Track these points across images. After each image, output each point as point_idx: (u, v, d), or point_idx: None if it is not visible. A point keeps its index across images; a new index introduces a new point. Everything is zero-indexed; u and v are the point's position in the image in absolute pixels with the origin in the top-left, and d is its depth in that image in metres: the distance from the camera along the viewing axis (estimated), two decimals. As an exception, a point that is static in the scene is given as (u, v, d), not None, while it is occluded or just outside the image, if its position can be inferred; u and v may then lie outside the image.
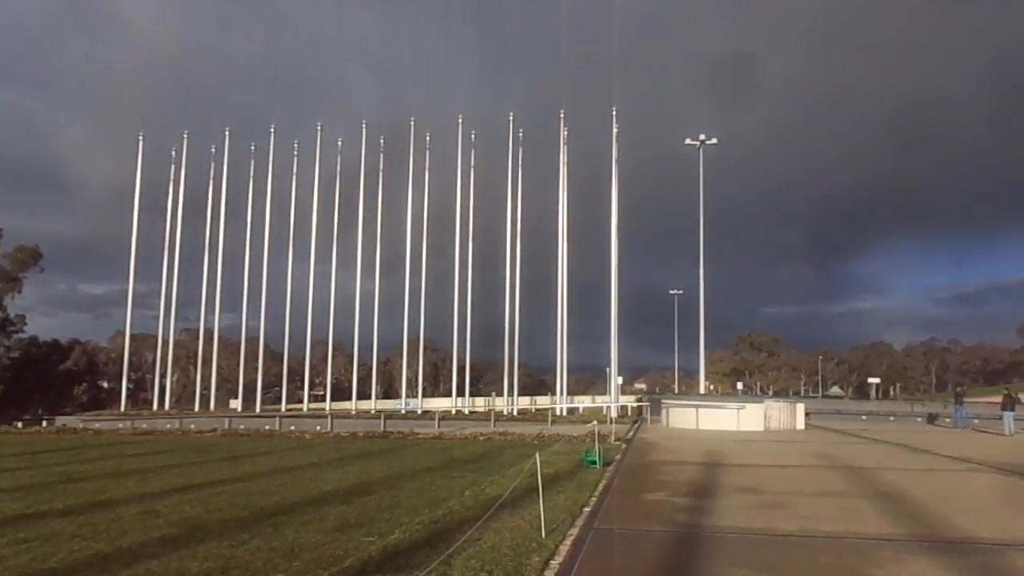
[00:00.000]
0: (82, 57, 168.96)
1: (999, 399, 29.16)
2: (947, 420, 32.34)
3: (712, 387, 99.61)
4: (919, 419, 37.48)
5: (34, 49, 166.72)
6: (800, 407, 30.49)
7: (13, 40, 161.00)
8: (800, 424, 29.39)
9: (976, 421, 31.50)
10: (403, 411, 44.25)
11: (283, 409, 45.32)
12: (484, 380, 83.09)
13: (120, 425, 34.75)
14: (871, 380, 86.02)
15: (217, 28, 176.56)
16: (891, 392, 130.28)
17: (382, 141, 46.46)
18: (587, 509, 10.08)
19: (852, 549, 7.82)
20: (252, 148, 47.61)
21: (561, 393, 42.24)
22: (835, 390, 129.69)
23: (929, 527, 8.95)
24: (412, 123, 45.75)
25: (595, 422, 19.99)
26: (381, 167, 45.99)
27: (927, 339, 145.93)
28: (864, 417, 39.55)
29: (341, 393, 56.13)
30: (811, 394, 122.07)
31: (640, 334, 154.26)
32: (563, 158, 42.80)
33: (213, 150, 48.09)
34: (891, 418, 38.07)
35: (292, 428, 30.23)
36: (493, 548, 7.68)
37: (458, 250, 43.61)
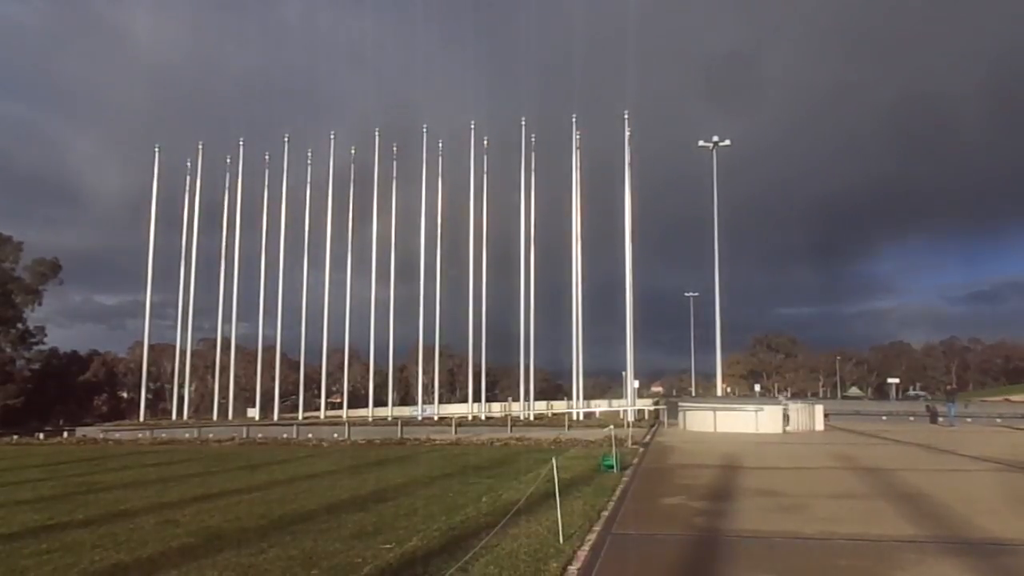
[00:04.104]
0: (95, 70, 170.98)
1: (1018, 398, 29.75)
2: (940, 419, 33.52)
3: (729, 389, 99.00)
4: (911, 418, 37.59)
5: (47, 63, 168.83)
6: (819, 408, 30.24)
7: (26, 55, 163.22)
8: (819, 426, 29.13)
9: (945, 418, 33.09)
10: (420, 418, 44.24)
11: (300, 417, 45.45)
12: (500, 385, 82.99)
13: (139, 435, 35.03)
14: (890, 380, 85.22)
15: (229, 39, 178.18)
16: (911, 392, 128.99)
17: (395, 148, 46.64)
18: (605, 514, 10.04)
19: (873, 551, 7.74)
20: (266, 157, 47.94)
21: (577, 398, 42.10)
22: (854, 391, 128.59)
23: (951, 529, 8.83)
24: (424, 130, 45.94)
25: (612, 426, 19.90)
26: (394, 174, 46.17)
27: (947, 338, 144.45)
28: (884, 418, 39.16)
29: (358, 400, 56.28)
30: (829, 395, 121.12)
31: (656, 337, 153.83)
32: (576, 162, 42.78)
33: (228, 160, 48.47)
34: (911, 418, 37.69)
35: (309, 436, 30.36)
36: (511, 554, 7.66)
37: (472, 256, 43.65)
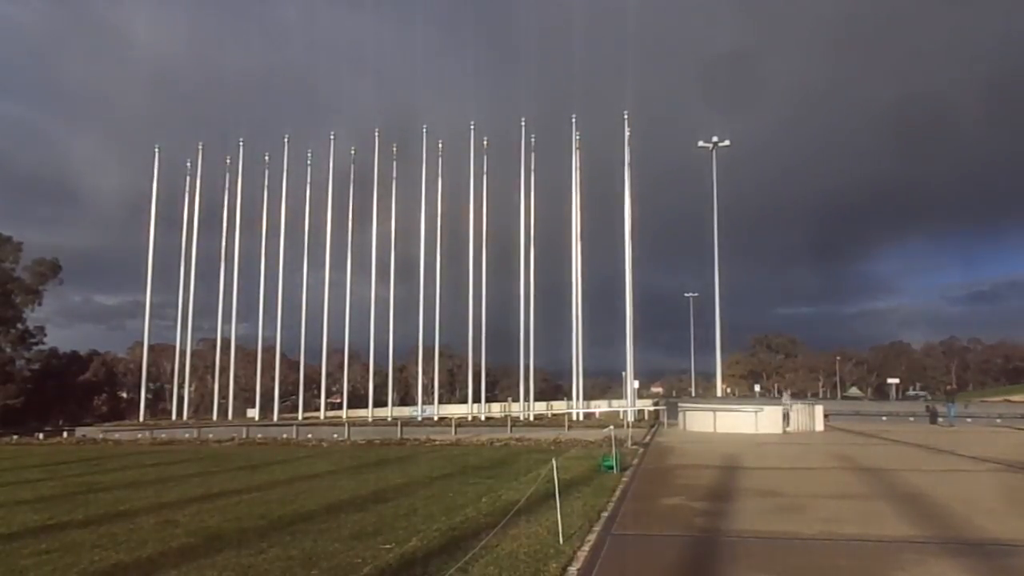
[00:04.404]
0: (95, 71, 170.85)
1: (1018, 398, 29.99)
2: (940, 420, 33.51)
3: (729, 390, 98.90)
4: (911, 418, 37.64)
5: (47, 63, 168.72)
6: (819, 409, 30.24)
7: (25, 55, 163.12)
8: (819, 426, 29.13)
9: (945, 419, 33.14)
10: (419, 418, 44.24)
11: (300, 417, 45.44)
12: (500, 386, 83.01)
13: (139, 435, 35.01)
14: (890, 380, 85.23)
15: (229, 40, 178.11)
16: (911, 392, 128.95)
17: (395, 149, 46.64)
18: (605, 514, 10.04)
19: (873, 552, 7.74)
20: (266, 158, 47.94)
21: (577, 398, 42.10)
22: (854, 391, 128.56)
23: (951, 529, 8.83)
24: (424, 130, 45.95)
25: (612, 427, 19.88)
26: (394, 175, 46.18)
27: (946, 338, 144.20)
28: (884, 418, 39.14)
29: (358, 401, 56.22)
30: (829, 396, 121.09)
31: (656, 337, 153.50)
32: (575, 162, 42.79)
33: (228, 161, 48.46)
34: (911, 419, 37.68)
35: (309, 436, 30.34)
36: (511, 555, 7.66)
37: (472, 256, 43.66)
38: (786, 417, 28.56)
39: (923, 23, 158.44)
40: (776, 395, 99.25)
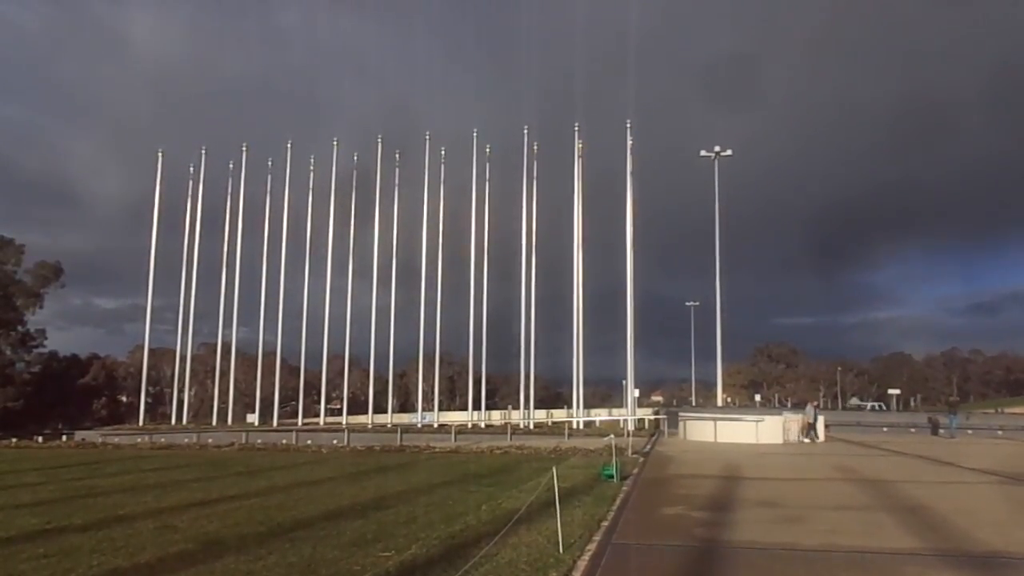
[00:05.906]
0: (98, 74, 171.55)
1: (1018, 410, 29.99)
2: (942, 431, 33.38)
3: (729, 399, 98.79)
4: (913, 430, 37.53)
5: (49, 67, 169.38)
6: (819, 419, 30.18)
7: (28, 58, 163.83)
8: (820, 436, 29.07)
9: (947, 430, 32.97)
10: (419, 425, 44.23)
11: (300, 423, 45.41)
12: (500, 393, 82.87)
13: (139, 439, 34.96)
14: (891, 391, 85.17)
15: (234, 45, 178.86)
16: (912, 403, 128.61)
17: (397, 155, 46.76)
18: (605, 523, 10.00)
19: (875, 564, 7.69)
20: (269, 163, 48.07)
21: (578, 406, 42.07)
22: (854, 401, 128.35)
23: (953, 541, 8.78)
24: (427, 137, 46.06)
25: (612, 435, 19.87)
26: (396, 181, 46.28)
27: (948, 349, 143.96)
28: (885, 429, 39.06)
29: (358, 407, 56.19)
30: (830, 406, 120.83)
31: (656, 346, 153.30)
32: (577, 171, 42.86)
33: (231, 166, 48.57)
34: (912, 430, 37.59)
35: (309, 442, 30.30)
36: (510, 563, 7.63)
37: (473, 263, 43.76)
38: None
39: (926, 28, 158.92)
40: (776, 405, 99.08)
